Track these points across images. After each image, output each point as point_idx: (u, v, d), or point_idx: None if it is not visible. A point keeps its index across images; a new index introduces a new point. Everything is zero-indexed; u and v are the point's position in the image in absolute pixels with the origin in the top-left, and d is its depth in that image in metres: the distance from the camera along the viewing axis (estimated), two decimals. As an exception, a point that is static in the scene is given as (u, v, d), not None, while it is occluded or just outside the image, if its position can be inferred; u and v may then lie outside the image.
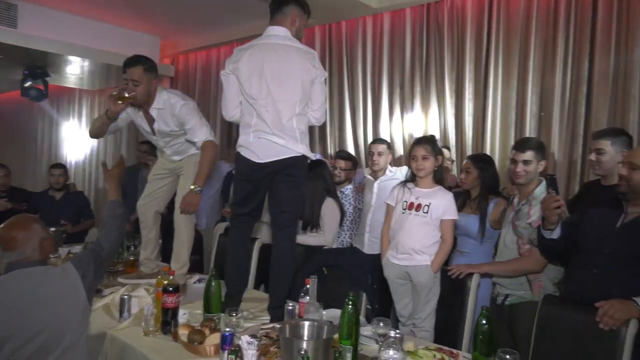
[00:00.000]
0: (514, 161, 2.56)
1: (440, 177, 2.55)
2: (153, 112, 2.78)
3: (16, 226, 1.81)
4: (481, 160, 2.95)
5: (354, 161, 3.80)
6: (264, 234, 3.30)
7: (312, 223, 3.25)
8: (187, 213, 2.81)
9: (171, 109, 2.75)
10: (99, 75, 6.48)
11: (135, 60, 2.71)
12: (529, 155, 2.49)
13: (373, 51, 4.47)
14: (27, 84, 5.96)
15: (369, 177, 3.58)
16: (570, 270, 2.28)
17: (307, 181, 3.19)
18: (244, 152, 2.41)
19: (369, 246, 3.41)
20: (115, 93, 2.66)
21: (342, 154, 3.79)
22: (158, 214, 3.11)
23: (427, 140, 2.55)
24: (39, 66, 5.90)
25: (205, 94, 5.93)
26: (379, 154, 3.39)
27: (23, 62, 5.83)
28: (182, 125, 2.78)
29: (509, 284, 2.55)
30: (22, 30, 4.83)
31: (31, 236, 1.80)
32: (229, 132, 5.45)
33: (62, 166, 4.77)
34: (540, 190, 2.46)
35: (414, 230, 2.46)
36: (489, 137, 3.76)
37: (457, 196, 2.93)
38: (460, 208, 2.84)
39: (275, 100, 2.34)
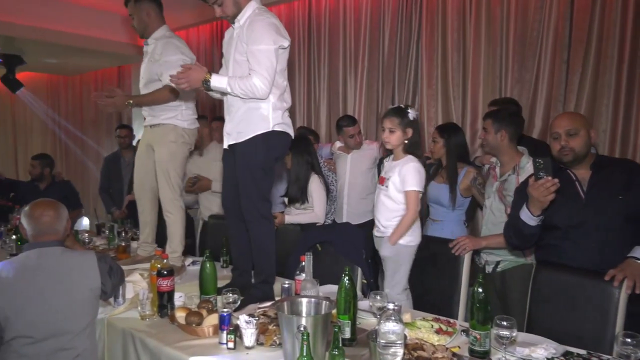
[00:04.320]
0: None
1: (411, 149, 2.43)
2: (150, 42, 2.83)
3: (52, 206, 2.06)
4: (445, 130, 2.93)
5: (313, 137, 3.77)
6: None
7: (300, 198, 3.18)
8: (104, 109, 2.96)
9: (163, 38, 2.79)
10: (77, 60, 6.32)
11: None
12: (485, 123, 2.57)
13: (354, 26, 4.41)
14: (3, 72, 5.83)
15: (341, 151, 3.62)
16: (559, 249, 2.16)
17: (293, 157, 3.16)
18: (286, 130, 2.29)
19: (348, 217, 3.45)
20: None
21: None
22: (155, 195, 2.96)
23: (394, 112, 2.41)
24: (12, 55, 5.72)
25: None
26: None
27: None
28: (161, 57, 2.71)
29: (499, 250, 2.56)
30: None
31: (64, 217, 2.06)
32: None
33: (39, 157, 4.68)
34: (526, 161, 2.47)
35: (380, 204, 2.47)
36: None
37: (431, 166, 2.95)
38: (432, 177, 2.86)
39: None
